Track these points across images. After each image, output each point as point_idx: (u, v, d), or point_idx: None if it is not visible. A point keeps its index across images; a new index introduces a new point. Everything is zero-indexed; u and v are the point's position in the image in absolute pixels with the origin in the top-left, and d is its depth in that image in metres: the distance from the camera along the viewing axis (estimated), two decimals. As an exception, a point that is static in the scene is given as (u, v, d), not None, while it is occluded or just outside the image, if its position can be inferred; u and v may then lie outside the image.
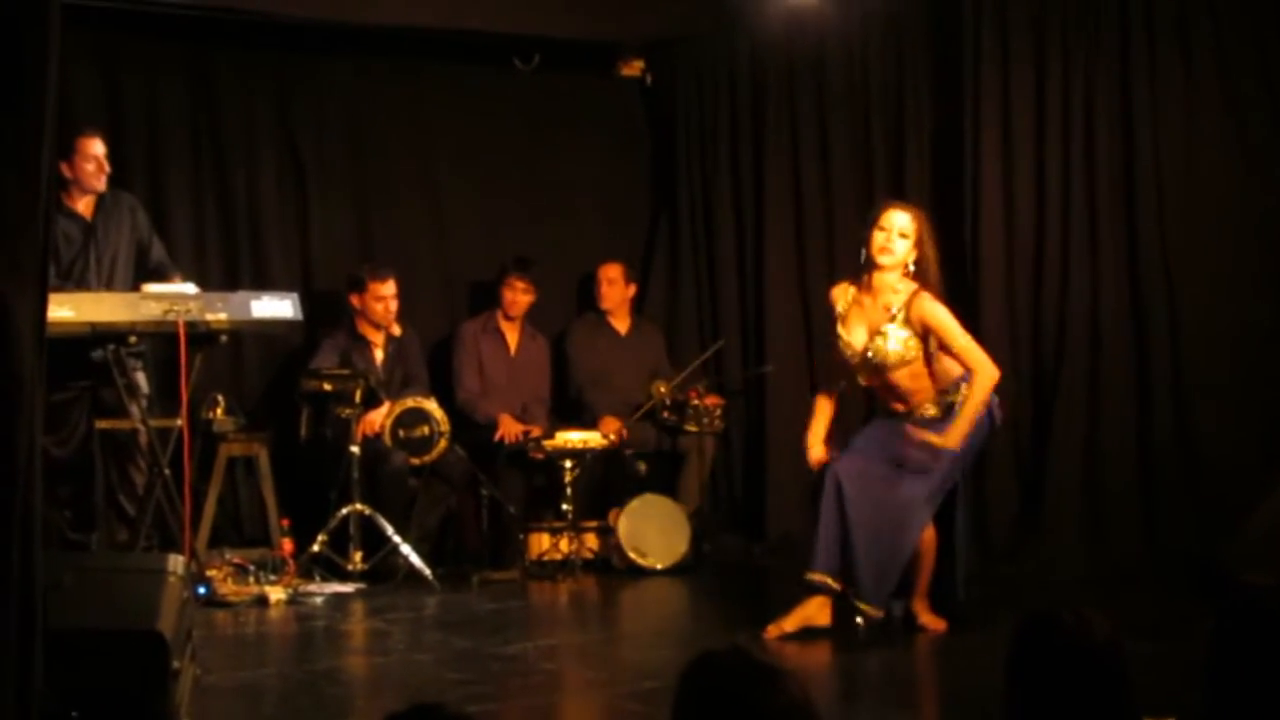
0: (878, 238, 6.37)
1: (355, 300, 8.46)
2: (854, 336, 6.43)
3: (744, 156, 9.55)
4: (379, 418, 8.11)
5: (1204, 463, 7.67)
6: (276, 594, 7.32)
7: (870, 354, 6.37)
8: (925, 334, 6.32)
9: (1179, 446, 7.76)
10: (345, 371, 8.01)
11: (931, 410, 6.41)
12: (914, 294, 6.34)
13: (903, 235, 6.37)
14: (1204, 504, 7.56)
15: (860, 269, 6.46)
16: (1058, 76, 8.11)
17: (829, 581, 6.33)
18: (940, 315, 6.33)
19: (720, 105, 9.69)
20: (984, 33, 8.34)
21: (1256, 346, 7.57)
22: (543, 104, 9.86)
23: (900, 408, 6.47)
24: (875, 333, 6.37)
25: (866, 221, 6.49)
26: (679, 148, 9.89)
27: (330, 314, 8.75)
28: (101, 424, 7.60)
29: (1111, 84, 7.97)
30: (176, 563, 4.73)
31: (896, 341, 6.35)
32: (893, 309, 6.35)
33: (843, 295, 6.51)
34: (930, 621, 6.51)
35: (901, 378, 6.39)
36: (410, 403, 8.21)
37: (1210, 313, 7.70)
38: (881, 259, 6.36)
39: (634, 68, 10.26)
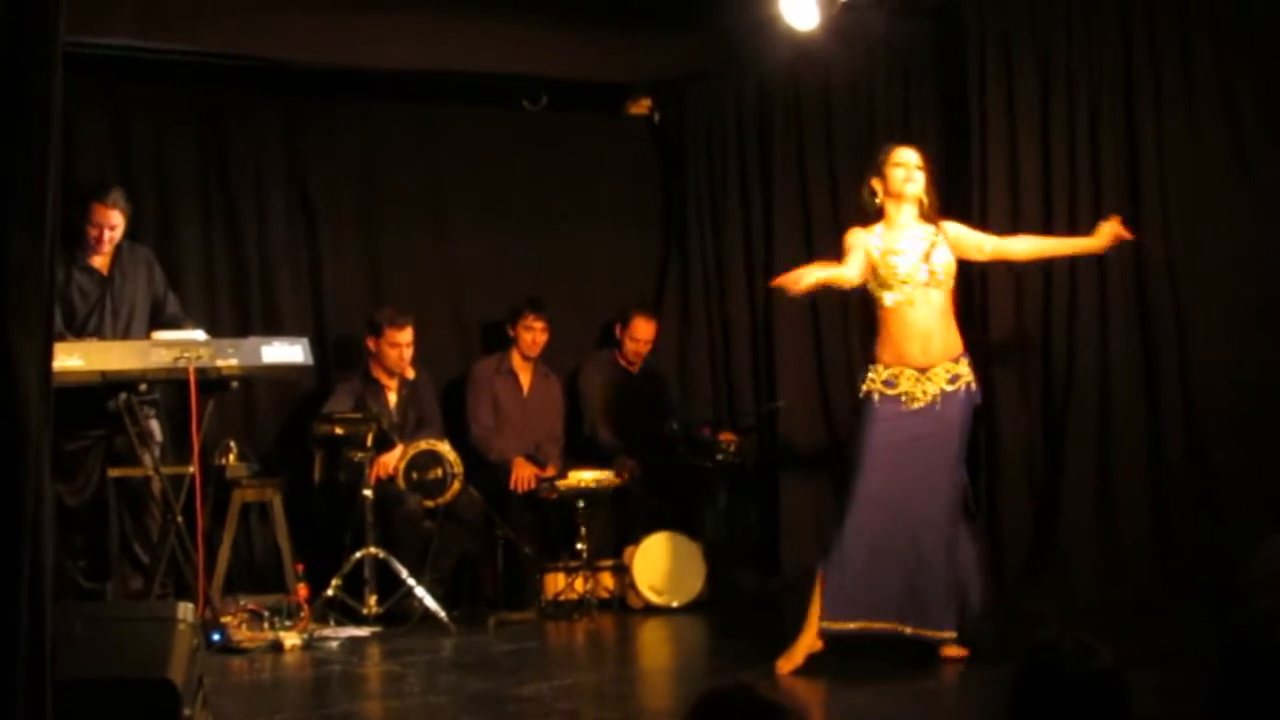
0: (898, 173, 6.55)
1: (371, 344, 8.49)
2: (902, 260, 6.45)
3: (753, 193, 9.58)
4: (392, 460, 8.13)
5: (1217, 491, 7.64)
6: (291, 639, 7.32)
7: (930, 267, 6.44)
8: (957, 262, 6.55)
9: (1191, 475, 7.73)
10: (357, 415, 8.03)
11: (943, 379, 6.44)
12: (939, 221, 6.58)
13: (919, 168, 6.57)
14: (1217, 532, 7.53)
15: (868, 213, 6.59)
16: (1062, 104, 8.12)
17: (847, 627, 6.34)
18: (968, 229, 6.70)
19: (728, 142, 9.73)
20: (988, 63, 8.36)
21: (1265, 373, 7.54)
22: (551, 144, 9.90)
23: (922, 356, 6.44)
24: (926, 253, 6.47)
25: (874, 165, 6.62)
26: (688, 185, 9.93)
27: (343, 357, 8.78)
28: (115, 472, 7.62)
29: (1116, 111, 7.97)
30: (186, 610, 4.73)
31: (944, 257, 6.49)
32: (928, 235, 6.51)
33: (868, 232, 6.54)
34: (952, 650, 6.48)
35: (947, 302, 6.51)
36: (424, 445, 8.23)
37: (1219, 340, 7.67)
38: (908, 189, 6.53)
39: (642, 106, 10.31)
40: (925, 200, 6.55)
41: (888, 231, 6.53)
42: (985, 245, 6.73)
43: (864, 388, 6.50)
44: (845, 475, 6.61)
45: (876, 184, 6.58)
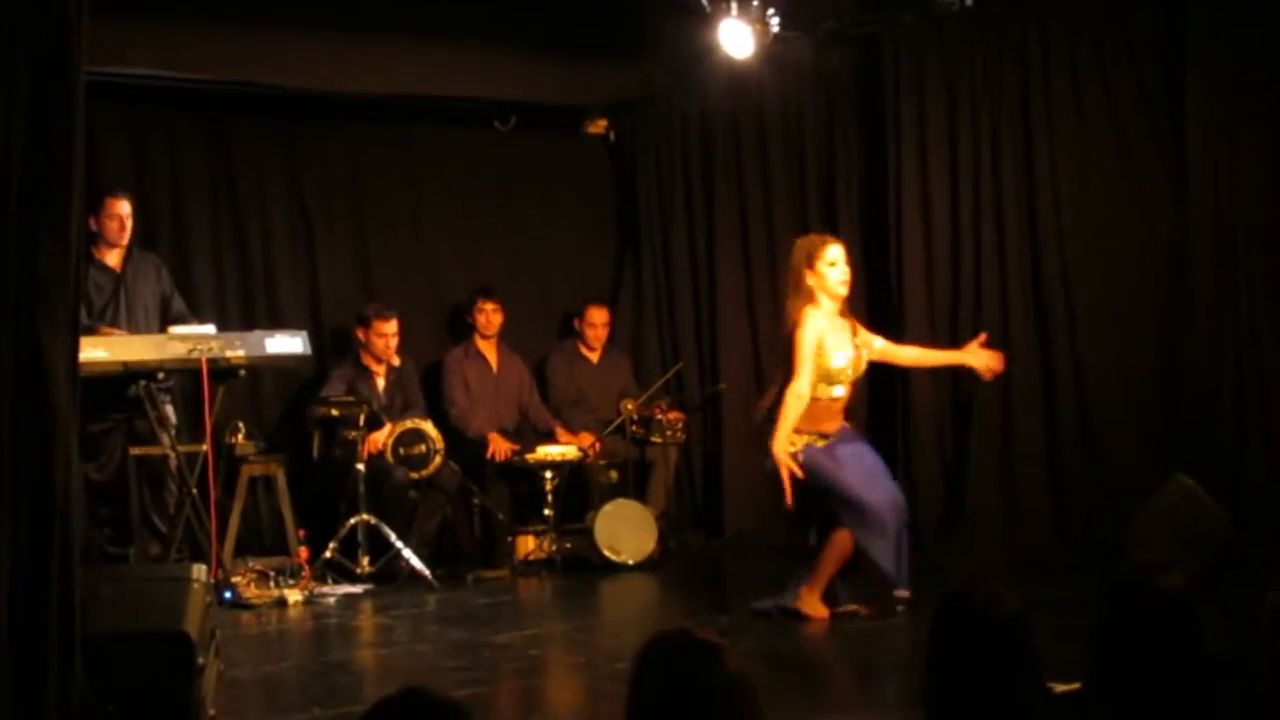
0: (834, 274, 6.29)
1: (361, 334, 8.45)
2: (842, 354, 6.33)
3: (697, 202, 9.57)
4: (382, 437, 8.08)
5: (1105, 462, 7.69)
6: (294, 596, 7.28)
7: (857, 370, 6.40)
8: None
9: (1083, 449, 7.78)
10: (351, 398, 8.00)
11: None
12: (854, 322, 6.47)
13: (847, 264, 6.39)
14: (1105, 498, 7.57)
15: (802, 297, 6.31)
16: (967, 122, 8.15)
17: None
18: (865, 331, 6.59)
19: (675, 157, 9.72)
20: (902, 88, 8.38)
21: (1148, 361, 7.59)
22: (519, 159, 9.87)
23: (833, 428, 6.38)
24: (857, 348, 6.39)
25: (806, 258, 6.32)
26: (640, 196, 9.90)
27: (337, 347, 8.75)
28: (136, 451, 7.58)
29: (1015, 126, 8.00)
30: (200, 571, 4.71)
31: (864, 361, 6.44)
32: (850, 334, 6.40)
33: (815, 326, 6.27)
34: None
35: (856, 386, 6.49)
36: (409, 424, 8.19)
37: (1106, 331, 7.72)
38: (843, 290, 6.33)
39: (599, 126, 10.29)
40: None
41: (825, 320, 6.31)
42: (876, 346, 6.58)
43: (797, 448, 6.26)
44: (825, 499, 6.36)
45: (810, 278, 6.29)
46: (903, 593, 6.27)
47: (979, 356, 6.67)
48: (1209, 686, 2.62)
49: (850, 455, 6.37)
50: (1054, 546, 7.63)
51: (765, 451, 6.29)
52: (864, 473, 6.35)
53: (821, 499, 6.35)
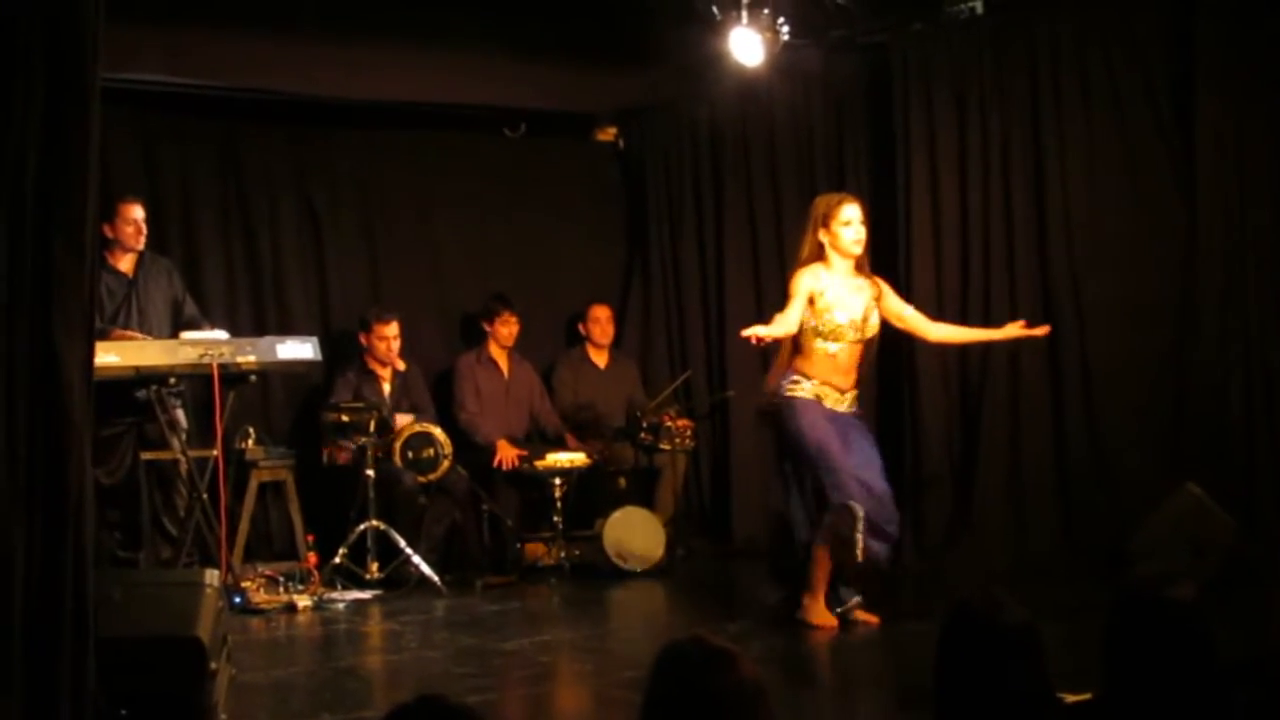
0: (846, 232, 6.34)
1: (363, 339, 8.49)
2: (842, 313, 6.33)
3: (706, 209, 9.58)
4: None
5: (1111, 470, 7.66)
6: (303, 601, 7.29)
7: (865, 330, 6.37)
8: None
9: (1090, 456, 7.76)
10: (360, 404, 8.01)
11: (853, 396, 6.44)
12: (876, 279, 6.48)
13: (862, 223, 6.40)
14: (1111, 505, 7.55)
15: (811, 253, 6.38)
16: (977, 134, 8.14)
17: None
18: (895, 297, 6.59)
19: (684, 165, 9.73)
20: (911, 94, 8.37)
21: (1157, 365, 7.58)
22: (528, 166, 9.88)
23: (847, 383, 6.39)
24: (867, 309, 6.38)
25: (820, 216, 6.39)
26: (649, 203, 9.92)
27: (347, 352, 8.76)
28: (146, 455, 7.58)
29: (1025, 130, 7.98)
30: (212, 576, 4.71)
31: (876, 321, 6.43)
32: (865, 294, 6.40)
33: (814, 278, 6.33)
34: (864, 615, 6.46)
35: (867, 352, 6.45)
36: (417, 427, 8.21)
37: (1115, 336, 7.70)
38: (857, 249, 6.37)
39: (608, 134, 10.31)
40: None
41: (830, 277, 6.35)
42: (905, 315, 6.59)
43: (788, 393, 6.33)
44: (799, 465, 6.39)
45: (824, 235, 6.36)
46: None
47: (1010, 333, 6.74)
48: (1219, 696, 2.63)
49: (837, 423, 6.33)
50: (1061, 552, 7.62)
51: (769, 423, 6.43)
52: (855, 450, 6.32)
53: (795, 454, 6.36)
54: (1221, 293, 7.35)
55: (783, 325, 6.19)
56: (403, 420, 8.31)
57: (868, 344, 6.47)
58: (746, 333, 6.09)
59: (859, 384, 6.50)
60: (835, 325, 6.32)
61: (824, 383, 6.34)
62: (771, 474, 6.62)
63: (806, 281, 6.31)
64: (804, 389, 6.33)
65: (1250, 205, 7.25)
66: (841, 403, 6.38)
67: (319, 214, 9.13)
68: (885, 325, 6.53)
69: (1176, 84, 7.53)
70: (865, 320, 6.39)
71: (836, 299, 6.33)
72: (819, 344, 6.33)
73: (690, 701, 2.32)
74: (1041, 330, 6.72)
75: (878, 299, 6.47)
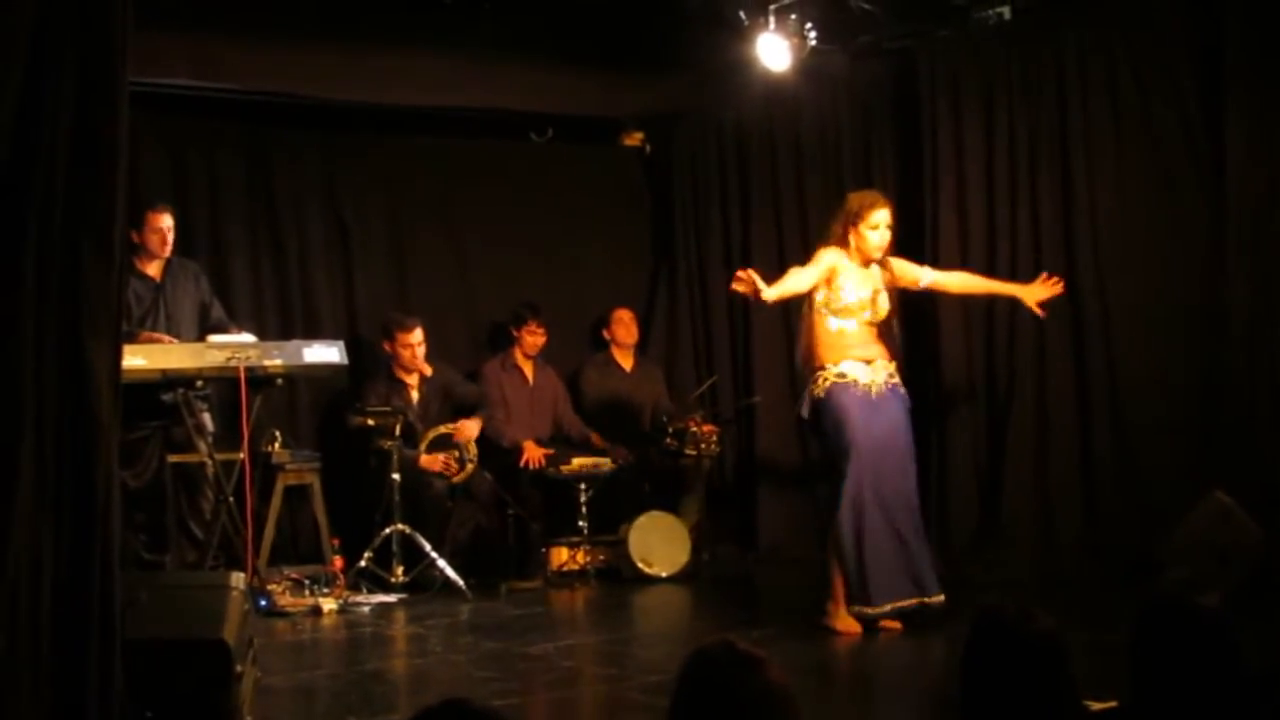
0: (873, 236, 6.49)
1: (387, 347, 8.48)
2: (852, 291, 6.46)
3: (732, 214, 9.58)
4: (475, 428, 8.36)
5: (1139, 475, 7.63)
6: (329, 604, 7.31)
7: (873, 311, 6.48)
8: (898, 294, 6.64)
9: (1117, 462, 7.72)
10: (386, 409, 8.03)
11: (883, 370, 6.49)
12: (886, 265, 6.58)
13: (889, 228, 6.53)
14: (1139, 511, 7.52)
15: (834, 241, 6.53)
16: (1004, 141, 8.12)
17: (883, 609, 6.33)
18: (907, 264, 6.73)
19: (710, 170, 9.74)
20: (939, 101, 8.37)
21: (1184, 374, 7.54)
22: (555, 171, 9.90)
23: (870, 354, 6.48)
24: (875, 290, 6.51)
25: (854, 215, 6.51)
26: (675, 208, 9.93)
27: (373, 356, 8.77)
28: (172, 458, 7.62)
29: (1053, 142, 7.96)
30: (238, 579, 4.72)
31: (885, 302, 6.54)
32: (875, 278, 6.53)
33: (839, 256, 6.50)
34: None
35: (886, 328, 6.56)
36: (442, 430, 8.22)
37: (1142, 344, 7.67)
38: (878, 254, 6.53)
39: (635, 139, 10.32)
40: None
41: (847, 262, 6.51)
42: (922, 279, 6.74)
43: (819, 388, 6.40)
44: (832, 467, 6.49)
45: (853, 234, 6.50)
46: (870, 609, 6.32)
47: (1031, 292, 6.81)
48: (1245, 705, 2.61)
49: (884, 436, 6.37)
50: (1088, 560, 7.59)
51: (800, 403, 6.55)
52: (873, 449, 6.34)
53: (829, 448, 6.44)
54: (1250, 297, 7.30)
55: (792, 281, 6.39)
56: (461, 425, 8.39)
57: (882, 325, 6.57)
58: (741, 275, 6.26)
59: (891, 358, 6.58)
60: (845, 303, 6.44)
61: (844, 358, 6.44)
62: (820, 482, 6.68)
63: (830, 257, 6.50)
64: (828, 376, 6.41)
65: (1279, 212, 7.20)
66: (872, 372, 6.45)
67: (346, 219, 9.16)
68: (905, 305, 6.66)
69: (1204, 87, 7.48)
70: (874, 301, 6.51)
71: (848, 280, 6.48)
72: (831, 322, 6.47)
73: (719, 706, 2.32)
74: (1056, 286, 6.80)
75: (889, 282, 6.60)
